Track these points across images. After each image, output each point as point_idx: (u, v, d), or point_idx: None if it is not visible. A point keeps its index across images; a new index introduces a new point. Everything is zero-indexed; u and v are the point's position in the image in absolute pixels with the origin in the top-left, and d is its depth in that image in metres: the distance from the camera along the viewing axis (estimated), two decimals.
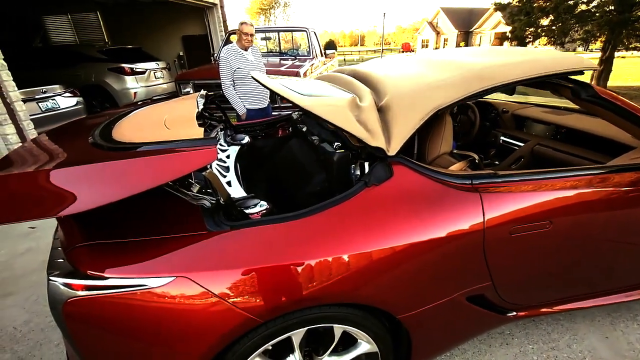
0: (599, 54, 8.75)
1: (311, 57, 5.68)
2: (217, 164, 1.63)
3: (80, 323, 0.94)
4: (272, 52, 6.63)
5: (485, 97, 2.87)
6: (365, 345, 1.21)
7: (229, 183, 1.58)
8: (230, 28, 9.10)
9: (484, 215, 1.15)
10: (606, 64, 8.32)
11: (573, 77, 1.46)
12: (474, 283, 1.25)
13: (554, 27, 8.66)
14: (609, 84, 8.70)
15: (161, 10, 9.48)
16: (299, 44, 7.83)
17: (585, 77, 1.42)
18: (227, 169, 1.66)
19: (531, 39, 9.20)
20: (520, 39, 9.17)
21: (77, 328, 0.95)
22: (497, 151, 2.62)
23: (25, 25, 9.62)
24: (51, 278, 0.94)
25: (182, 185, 1.20)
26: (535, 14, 8.55)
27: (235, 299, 0.93)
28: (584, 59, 1.42)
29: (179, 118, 1.46)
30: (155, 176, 0.90)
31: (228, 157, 1.76)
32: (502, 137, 2.56)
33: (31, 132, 4.47)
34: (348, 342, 1.23)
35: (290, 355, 1.16)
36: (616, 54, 8.54)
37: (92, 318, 0.93)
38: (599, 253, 1.44)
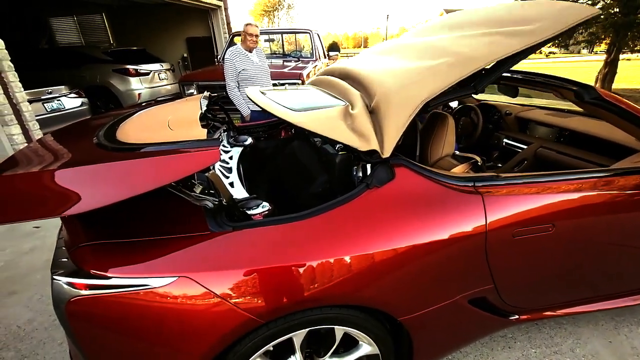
0: (604, 57, 8.71)
1: (314, 58, 5.70)
2: (220, 165, 1.63)
3: (83, 322, 0.95)
4: (276, 53, 6.66)
5: (488, 100, 2.88)
6: (366, 347, 1.21)
7: (231, 184, 1.58)
8: (234, 30, 9.16)
9: (486, 217, 1.15)
10: (611, 66, 8.27)
11: (577, 80, 1.45)
12: (476, 286, 1.25)
13: None
14: (614, 86, 8.65)
15: (165, 12, 9.55)
16: (302, 45, 7.85)
17: (590, 80, 1.41)
18: (229, 170, 1.67)
19: None
20: None
21: (80, 327, 0.95)
22: (500, 153, 2.62)
23: (31, 26, 9.73)
24: (55, 277, 0.94)
25: (185, 186, 1.21)
26: None
27: (236, 300, 0.94)
28: (584, 7, 1.19)
29: (183, 119, 1.47)
30: (159, 177, 0.90)
31: (231, 158, 1.77)
32: (505, 140, 2.55)
33: (37, 133, 4.51)
34: (349, 344, 1.23)
35: (291, 356, 1.16)
36: (621, 56, 8.49)
37: (95, 317, 0.93)
38: (602, 256, 1.43)
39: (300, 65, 5.21)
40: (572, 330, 1.75)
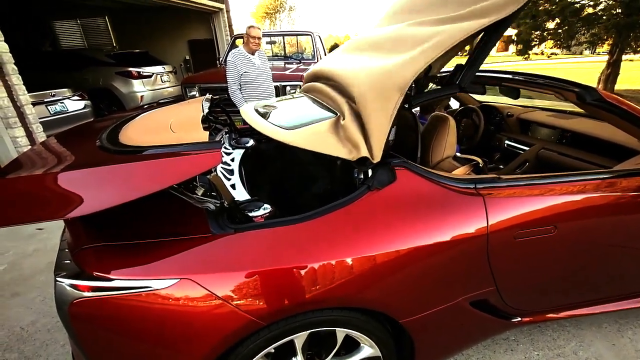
0: (606, 58, 8.69)
1: (316, 60, 5.72)
2: (222, 167, 1.64)
3: (86, 324, 0.95)
4: (277, 56, 6.68)
5: (489, 102, 2.88)
6: (367, 349, 1.21)
7: (233, 186, 1.59)
8: (235, 32, 9.20)
9: (487, 219, 1.15)
10: (613, 67, 8.25)
11: (579, 81, 1.44)
12: (478, 288, 1.24)
13: (560, 30, 8.63)
14: (617, 87, 8.62)
15: (168, 15, 9.61)
16: (303, 47, 7.87)
17: (592, 81, 1.41)
18: (231, 172, 1.68)
19: (537, 42, 9.17)
20: (525, 42, 9.15)
21: (83, 329, 0.96)
22: (501, 155, 2.61)
23: (35, 29, 9.80)
24: (58, 279, 0.95)
25: (187, 188, 1.22)
26: (541, 17, 8.52)
27: (238, 302, 0.94)
28: None
29: (185, 122, 1.48)
30: (161, 179, 0.91)
31: (232, 160, 1.78)
32: (506, 141, 2.55)
33: (40, 135, 4.54)
34: (350, 346, 1.23)
35: (293, 358, 1.16)
36: (623, 57, 8.47)
37: (97, 319, 0.94)
38: (605, 258, 1.42)
39: (302, 67, 5.23)
40: (575, 332, 1.74)
